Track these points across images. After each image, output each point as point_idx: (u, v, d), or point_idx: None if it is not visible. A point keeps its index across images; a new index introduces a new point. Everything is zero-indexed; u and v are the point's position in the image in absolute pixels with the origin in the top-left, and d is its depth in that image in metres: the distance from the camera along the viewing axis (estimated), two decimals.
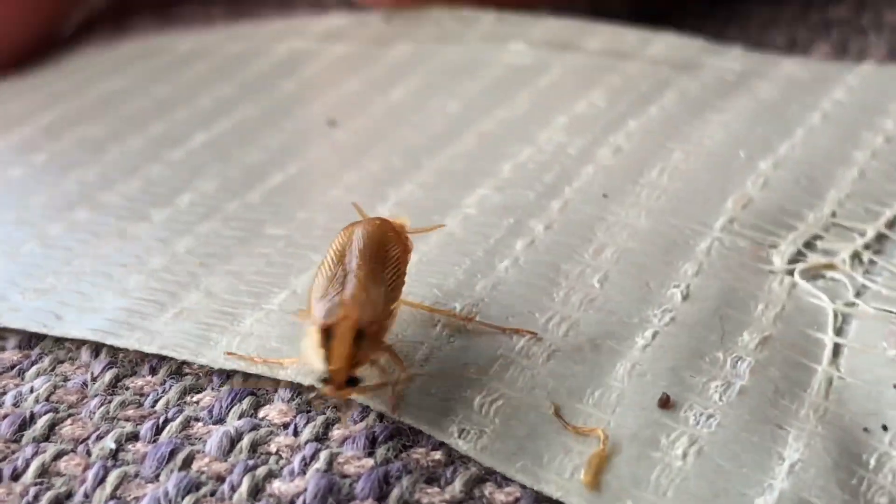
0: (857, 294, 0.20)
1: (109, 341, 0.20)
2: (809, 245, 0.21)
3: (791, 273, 0.20)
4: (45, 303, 0.21)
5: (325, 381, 0.17)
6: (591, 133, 0.24)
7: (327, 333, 0.17)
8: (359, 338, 0.17)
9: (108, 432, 0.18)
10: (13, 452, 0.18)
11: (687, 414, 0.18)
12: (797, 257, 0.21)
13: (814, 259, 0.20)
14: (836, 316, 0.19)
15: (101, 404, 0.18)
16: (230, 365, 0.19)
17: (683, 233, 0.21)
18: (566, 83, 0.26)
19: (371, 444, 0.17)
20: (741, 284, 0.20)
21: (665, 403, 0.18)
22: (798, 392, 0.18)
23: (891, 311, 0.19)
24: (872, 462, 0.17)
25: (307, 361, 0.17)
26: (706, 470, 0.17)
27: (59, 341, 0.20)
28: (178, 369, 0.19)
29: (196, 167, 0.25)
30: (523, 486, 0.17)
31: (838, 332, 0.19)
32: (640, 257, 0.21)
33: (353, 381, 0.17)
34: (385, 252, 0.19)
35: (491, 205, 0.22)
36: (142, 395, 0.19)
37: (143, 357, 0.19)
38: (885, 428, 0.17)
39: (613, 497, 0.16)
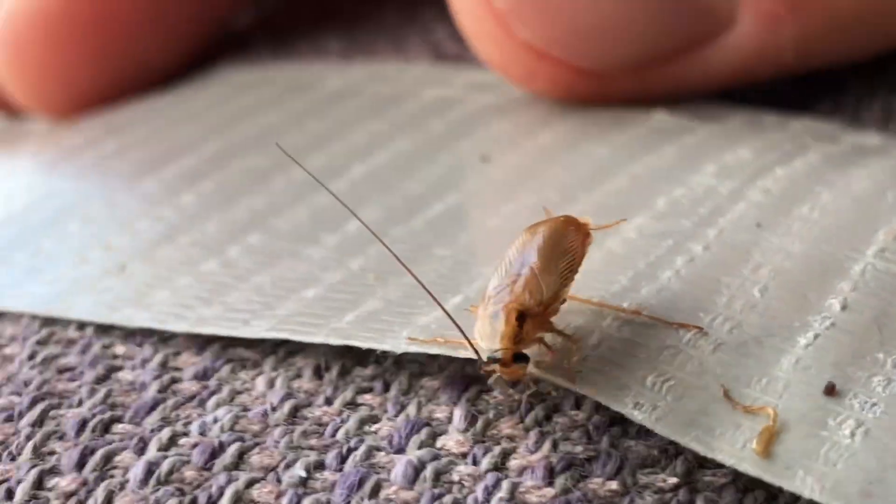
0: None
1: (297, 338, 0.21)
2: None
3: None
4: (231, 312, 0.22)
5: (493, 360, 0.18)
6: (739, 178, 0.25)
7: (495, 318, 0.19)
8: (523, 319, 0.19)
9: (295, 461, 0.19)
10: (206, 480, 0.18)
11: (852, 401, 0.19)
12: None
13: None
14: None
15: (284, 434, 0.19)
16: (413, 348, 0.20)
17: (837, 257, 0.22)
18: (711, 142, 0.27)
19: (549, 475, 0.18)
20: None
21: (831, 391, 0.19)
22: None
23: None
24: None
25: (478, 343, 0.19)
26: (874, 447, 0.18)
27: (233, 371, 0.21)
28: (353, 399, 0.20)
29: (359, 197, 0.26)
30: None
31: None
32: (796, 275, 0.22)
33: (519, 359, 0.18)
34: (563, 244, 0.20)
35: (650, 231, 0.23)
36: (321, 424, 0.19)
37: (318, 388, 0.20)
38: None
39: (785, 466, 0.18)
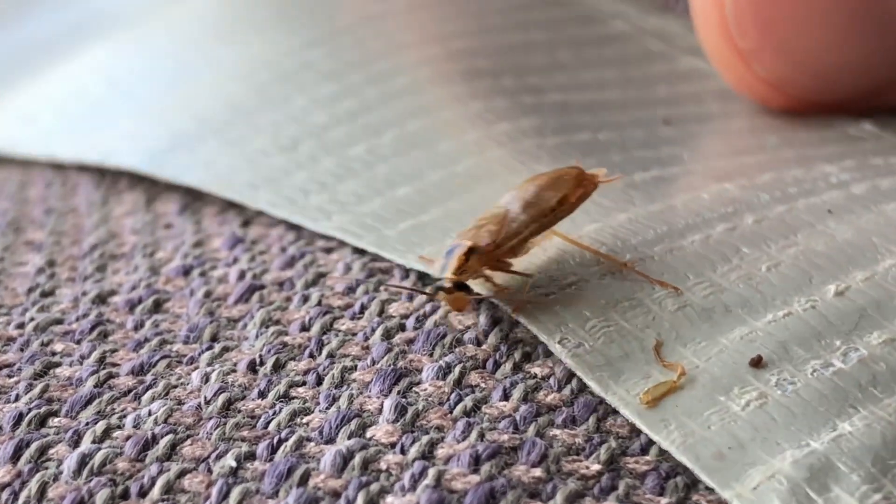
0: None
1: (348, 240, 0.23)
2: None
3: None
4: (330, 203, 0.24)
5: (438, 288, 0.20)
6: (861, 173, 0.25)
7: (450, 251, 0.21)
8: (471, 255, 0.20)
9: (226, 451, 0.19)
10: (139, 471, 0.19)
11: (770, 377, 0.19)
12: None
13: None
14: None
15: (217, 426, 0.20)
16: (419, 267, 0.22)
17: (878, 249, 0.21)
18: (882, 151, 0.27)
19: (475, 462, 0.18)
20: None
21: (756, 363, 0.19)
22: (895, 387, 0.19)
23: None
24: None
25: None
26: (757, 420, 0.18)
27: (170, 367, 0.21)
28: (286, 393, 0.20)
29: (531, 86, 0.28)
30: (619, 501, 0.18)
31: None
32: (820, 258, 0.21)
33: (461, 288, 0.20)
34: (550, 191, 0.22)
35: (726, 195, 0.24)
36: (253, 417, 0.20)
37: (252, 382, 0.21)
38: None
39: (659, 417, 0.18)
